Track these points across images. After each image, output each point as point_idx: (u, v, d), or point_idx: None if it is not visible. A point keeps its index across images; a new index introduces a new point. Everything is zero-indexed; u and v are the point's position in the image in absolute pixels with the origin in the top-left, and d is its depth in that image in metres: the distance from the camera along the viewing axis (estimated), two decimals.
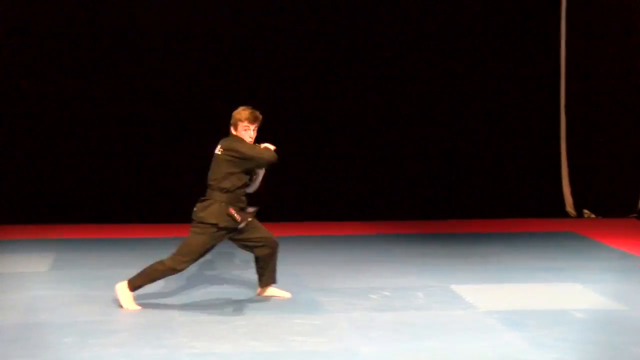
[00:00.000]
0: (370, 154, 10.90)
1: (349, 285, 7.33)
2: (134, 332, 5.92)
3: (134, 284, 6.53)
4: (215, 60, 10.55)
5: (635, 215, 11.11)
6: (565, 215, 11.24)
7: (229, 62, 10.56)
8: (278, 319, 6.25)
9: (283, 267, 8.03)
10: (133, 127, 10.48)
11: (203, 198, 6.49)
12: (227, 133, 6.59)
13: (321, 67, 10.74)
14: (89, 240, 9.40)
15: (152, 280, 6.58)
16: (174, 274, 6.57)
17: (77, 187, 10.44)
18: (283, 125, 10.63)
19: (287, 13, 10.65)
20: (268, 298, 6.88)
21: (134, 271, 7.71)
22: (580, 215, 11.25)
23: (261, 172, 6.70)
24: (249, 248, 6.73)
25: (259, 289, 6.93)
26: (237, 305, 6.63)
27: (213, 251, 6.80)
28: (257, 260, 6.81)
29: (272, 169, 10.68)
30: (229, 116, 6.59)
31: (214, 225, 6.39)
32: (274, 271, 6.88)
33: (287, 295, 6.89)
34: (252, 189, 6.67)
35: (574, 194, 11.28)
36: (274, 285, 6.93)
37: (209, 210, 6.40)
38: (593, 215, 11.22)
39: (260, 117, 6.59)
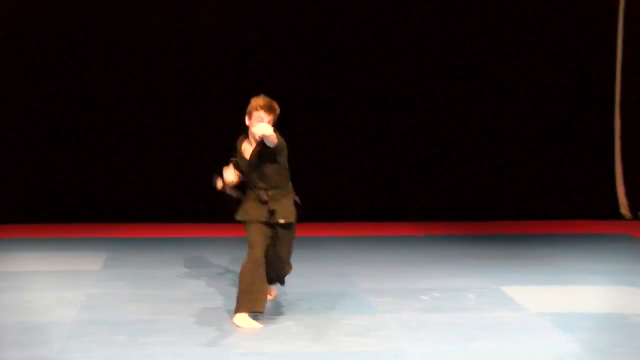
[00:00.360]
0: (423, 155, 10.86)
1: (399, 286, 7.30)
2: (184, 331, 5.97)
3: (247, 308, 6.14)
4: (219, 61, 10.56)
5: None
6: (620, 217, 11.09)
7: (241, 62, 10.58)
8: (327, 320, 6.24)
9: (333, 267, 8.06)
10: (180, 127, 10.57)
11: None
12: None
13: (366, 64, 10.72)
14: (139, 240, 9.49)
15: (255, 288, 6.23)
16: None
17: (128, 187, 10.54)
18: (329, 126, 10.67)
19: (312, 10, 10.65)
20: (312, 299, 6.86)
21: (183, 270, 7.82)
22: (635, 217, 11.08)
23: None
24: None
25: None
26: (287, 306, 6.64)
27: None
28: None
29: (325, 169, 10.71)
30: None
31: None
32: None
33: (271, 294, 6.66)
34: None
35: (628, 195, 11.12)
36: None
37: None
38: None
39: (278, 110, 6.16)
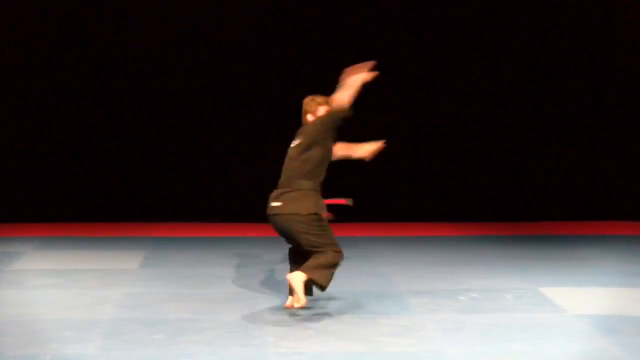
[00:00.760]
0: (462, 155, 10.81)
1: (437, 287, 7.28)
2: (222, 330, 5.98)
3: (313, 274, 6.17)
4: (221, 62, 10.58)
5: None
6: None
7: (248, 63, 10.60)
8: (365, 320, 6.24)
9: (373, 267, 8.05)
10: (221, 126, 10.62)
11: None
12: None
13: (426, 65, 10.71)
14: (177, 239, 9.54)
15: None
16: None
17: (166, 186, 10.61)
18: (368, 127, 10.64)
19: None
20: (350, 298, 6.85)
21: (221, 270, 7.85)
22: None
23: None
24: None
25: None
26: (324, 306, 6.64)
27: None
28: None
29: (365, 170, 10.71)
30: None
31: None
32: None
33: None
34: None
35: None
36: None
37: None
38: None
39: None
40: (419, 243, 9.36)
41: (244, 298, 6.86)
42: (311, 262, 6.18)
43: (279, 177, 6.47)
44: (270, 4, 10.62)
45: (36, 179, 10.47)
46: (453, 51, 10.75)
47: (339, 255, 6.26)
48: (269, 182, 10.28)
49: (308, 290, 6.39)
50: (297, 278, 6.17)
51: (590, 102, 10.90)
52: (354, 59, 10.53)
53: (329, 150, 6.45)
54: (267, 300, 6.77)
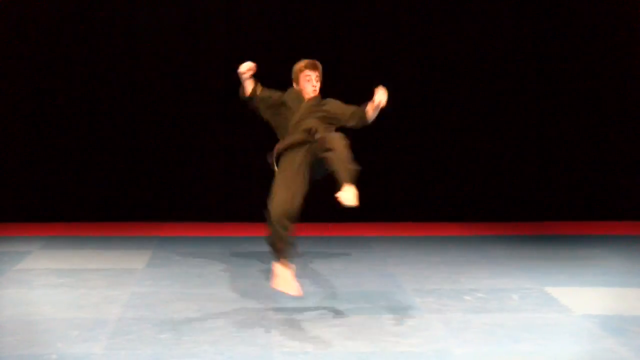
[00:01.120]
0: (469, 155, 10.79)
1: (444, 286, 7.28)
2: (228, 330, 5.99)
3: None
4: (223, 61, 10.58)
5: None
6: None
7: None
8: (372, 319, 6.24)
9: (379, 267, 8.04)
10: (229, 125, 10.62)
11: None
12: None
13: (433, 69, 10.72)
14: (184, 238, 9.55)
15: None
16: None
17: (173, 185, 10.61)
18: (377, 127, 10.64)
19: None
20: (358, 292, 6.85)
21: (228, 269, 7.85)
22: None
23: None
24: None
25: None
26: (331, 305, 6.64)
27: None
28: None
29: (373, 169, 10.71)
30: None
31: None
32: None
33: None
34: None
35: None
36: None
37: None
38: None
39: (320, 66, 6.64)
40: (425, 243, 9.36)
41: (251, 297, 6.86)
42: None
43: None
44: (270, 4, 10.61)
45: (42, 178, 10.48)
46: (456, 51, 10.73)
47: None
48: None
49: None
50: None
51: (595, 101, 10.87)
52: (355, 59, 10.69)
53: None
54: (273, 300, 6.77)
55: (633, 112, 10.91)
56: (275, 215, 6.22)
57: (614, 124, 10.90)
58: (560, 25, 10.78)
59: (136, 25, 10.49)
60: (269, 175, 10.93)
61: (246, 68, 6.64)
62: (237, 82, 10.62)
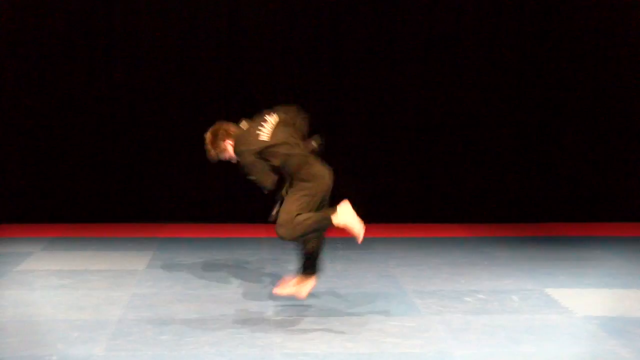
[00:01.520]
0: (471, 156, 10.78)
1: (445, 288, 7.27)
2: (228, 331, 5.99)
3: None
4: (225, 61, 10.57)
5: None
6: None
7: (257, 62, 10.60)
8: (372, 321, 6.24)
9: (380, 268, 8.04)
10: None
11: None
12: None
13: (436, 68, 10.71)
14: (184, 240, 9.54)
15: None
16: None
17: (173, 186, 10.60)
18: (376, 128, 10.65)
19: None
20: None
21: (229, 271, 7.85)
22: None
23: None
24: None
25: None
26: (332, 307, 6.65)
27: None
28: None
29: (374, 170, 10.70)
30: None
31: None
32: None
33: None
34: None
35: None
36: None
37: None
38: None
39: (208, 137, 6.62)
40: (426, 244, 9.35)
41: (251, 299, 6.87)
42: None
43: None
44: (271, 5, 10.61)
45: (44, 179, 10.48)
46: (459, 52, 10.72)
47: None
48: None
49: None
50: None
51: (599, 102, 10.85)
52: (355, 60, 10.68)
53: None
54: (274, 301, 6.77)
55: (637, 113, 10.90)
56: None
57: (617, 125, 10.88)
58: (563, 27, 10.77)
59: (140, 25, 10.48)
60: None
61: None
62: (240, 82, 10.66)
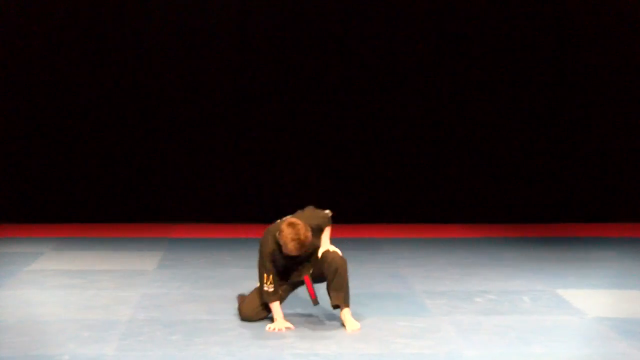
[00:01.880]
0: (481, 157, 10.76)
1: (455, 288, 7.26)
2: (238, 331, 5.99)
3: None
4: (227, 62, 10.58)
5: None
6: None
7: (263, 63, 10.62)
8: (382, 321, 6.23)
9: (390, 269, 8.04)
10: (238, 126, 10.63)
11: None
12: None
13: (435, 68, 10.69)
14: (194, 240, 9.55)
15: None
16: None
17: (183, 187, 10.62)
18: (393, 127, 10.65)
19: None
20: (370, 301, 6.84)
21: (238, 271, 7.85)
22: None
23: None
24: None
25: None
26: None
27: None
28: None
29: (383, 171, 10.67)
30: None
31: None
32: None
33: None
34: None
35: None
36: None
37: None
38: None
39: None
40: (436, 244, 9.34)
41: None
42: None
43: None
44: (271, 5, 10.61)
45: (55, 179, 10.51)
46: (464, 52, 10.70)
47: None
48: (286, 184, 10.40)
49: None
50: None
51: (608, 102, 10.83)
52: (356, 60, 10.67)
53: None
54: (284, 302, 6.77)
55: None
56: None
57: (628, 126, 10.85)
58: (568, 27, 10.74)
59: (148, 26, 10.50)
60: (279, 178, 11.02)
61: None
62: (246, 84, 10.65)
